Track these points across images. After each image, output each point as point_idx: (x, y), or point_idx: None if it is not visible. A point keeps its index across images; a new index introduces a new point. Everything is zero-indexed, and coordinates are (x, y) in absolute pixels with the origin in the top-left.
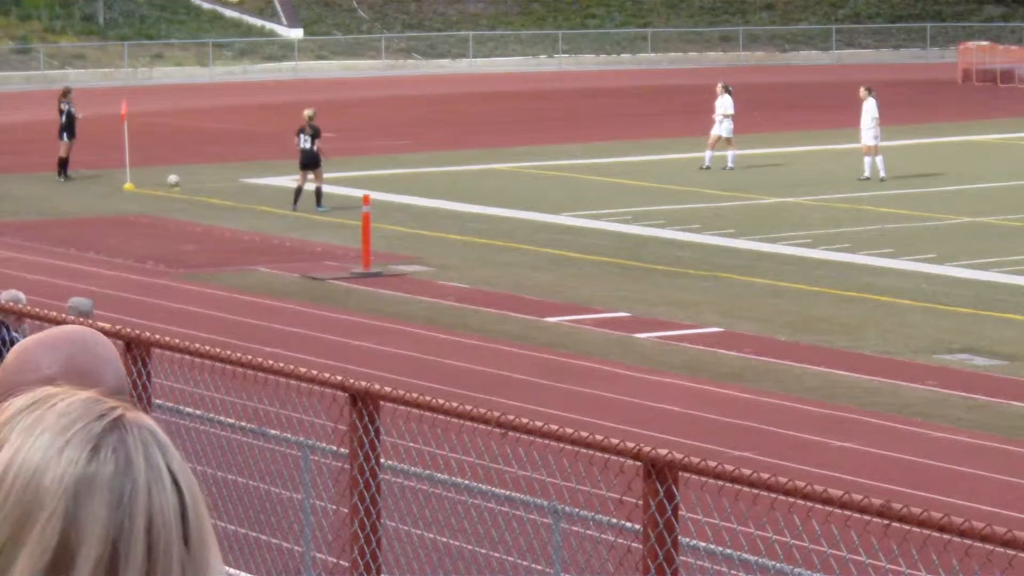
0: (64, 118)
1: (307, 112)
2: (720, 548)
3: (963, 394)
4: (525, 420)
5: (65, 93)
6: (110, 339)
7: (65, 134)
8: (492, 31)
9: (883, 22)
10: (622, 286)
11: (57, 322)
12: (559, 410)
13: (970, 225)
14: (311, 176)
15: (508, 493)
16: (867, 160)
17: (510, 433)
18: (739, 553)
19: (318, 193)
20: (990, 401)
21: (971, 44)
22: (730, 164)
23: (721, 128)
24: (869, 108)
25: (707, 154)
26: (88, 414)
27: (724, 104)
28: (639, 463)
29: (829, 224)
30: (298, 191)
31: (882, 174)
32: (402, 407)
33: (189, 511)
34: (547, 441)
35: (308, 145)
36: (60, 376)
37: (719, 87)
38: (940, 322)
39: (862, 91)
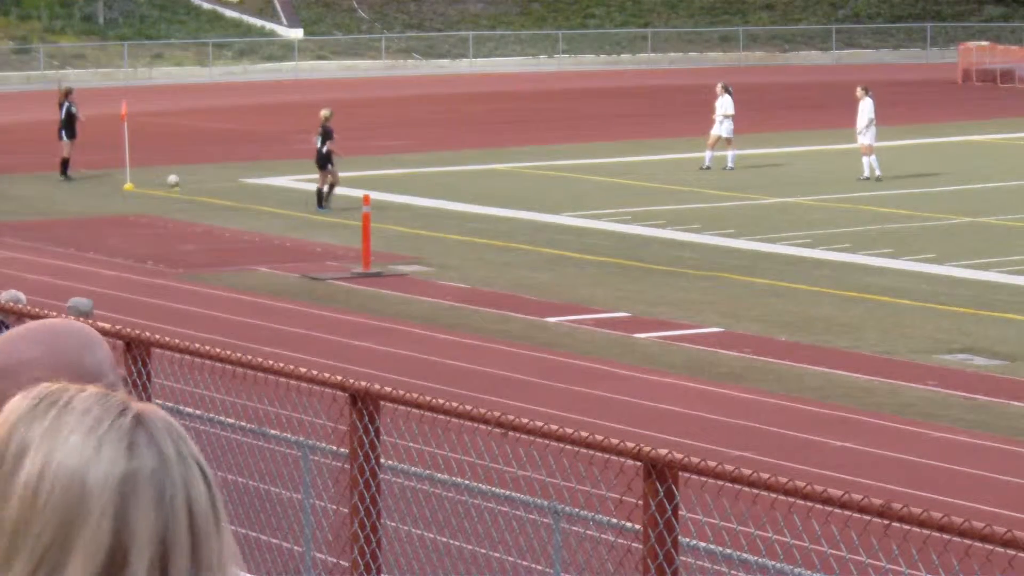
0: (64, 116)
1: (322, 113)
2: (720, 548)
3: (963, 394)
4: (525, 420)
5: (67, 93)
6: (110, 339)
7: (64, 133)
8: (492, 31)
9: (883, 22)
10: (622, 286)
11: None
12: (559, 410)
13: (970, 225)
14: (328, 176)
15: (508, 493)
16: (866, 160)
17: (510, 433)
18: (739, 553)
19: (319, 194)
20: (990, 401)
21: (971, 44)
22: (730, 164)
23: (721, 128)
24: (865, 108)
25: (707, 154)
26: (110, 410)
27: (724, 104)
28: (639, 463)
29: (829, 224)
30: (330, 189)
31: (877, 172)
32: (402, 407)
33: (216, 498)
34: (547, 441)
35: (318, 146)
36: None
37: (719, 87)
38: (940, 322)
39: (859, 91)
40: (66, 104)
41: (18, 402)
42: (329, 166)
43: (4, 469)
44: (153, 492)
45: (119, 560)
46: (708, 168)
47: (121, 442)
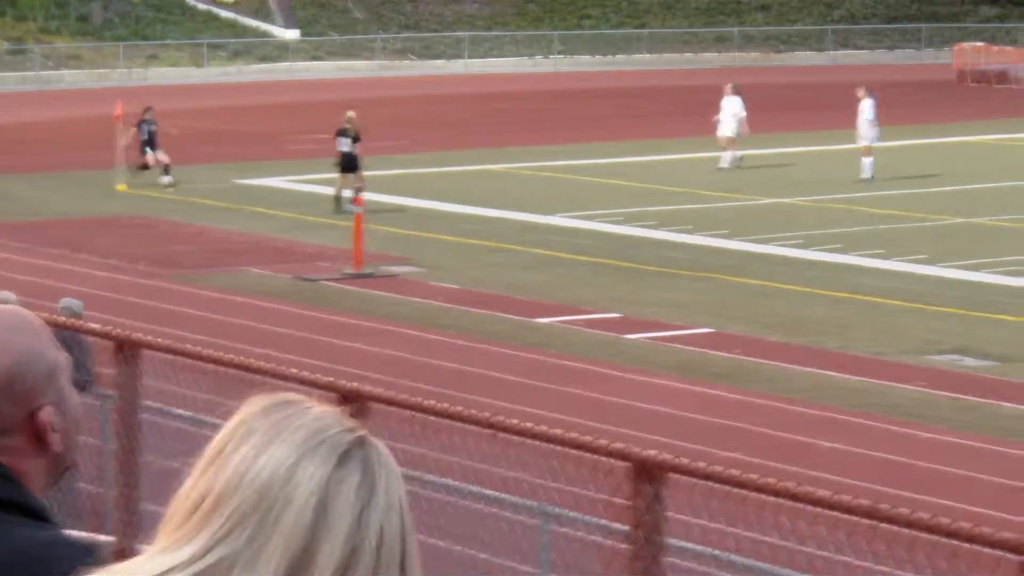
0: (146, 135)
1: (348, 114)
2: (708, 549)
3: (953, 395)
4: (515, 421)
5: (146, 111)
6: (100, 339)
7: (148, 148)
8: (488, 32)
9: (878, 23)
10: (614, 287)
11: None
12: (549, 411)
13: (962, 226)
14: (351, 179)
15: (497, 494)
16: (865, 161)
17: (499, 434)
18: (727, 554)
19: (337, 199)
20: (980, 402)
21: (966, 45)
22: (725, 164)
23: (729, 128)
24: (866, 109)
25: (727, 154)
26: (338, 424)
27: (733, 104)
28: (628, 464)
29: (822, 225)
30: (338, 197)
31: (870, 175)
32: (392, 408)
33: (408, 538)
34: (536, 442)
35: (348, 148)
36: None
37: (728, 88)
38: (930, 323)
39: (860, 91)
40: (146, 125)
41: (257, 399)
42: (360, 167)
43: (226, 450)
44: (354, 501)
45: (309, 557)
46: (734, 166)
47: (337, 450)
